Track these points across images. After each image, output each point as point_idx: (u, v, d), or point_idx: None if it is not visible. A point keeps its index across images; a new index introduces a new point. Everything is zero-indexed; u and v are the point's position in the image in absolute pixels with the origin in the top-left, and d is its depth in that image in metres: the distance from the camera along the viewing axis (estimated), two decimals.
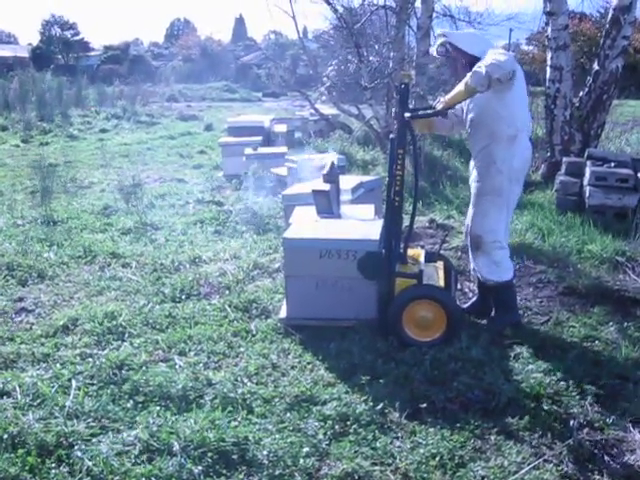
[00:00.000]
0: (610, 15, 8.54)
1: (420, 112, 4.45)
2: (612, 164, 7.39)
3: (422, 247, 5.83)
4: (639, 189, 6.94)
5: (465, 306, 4.78)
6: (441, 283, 4.51)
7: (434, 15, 11.50)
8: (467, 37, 4.51)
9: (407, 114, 4.21)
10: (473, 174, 4.49)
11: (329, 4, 11.81)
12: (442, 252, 5.10)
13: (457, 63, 4.40)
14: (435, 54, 4.60)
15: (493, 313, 4.59)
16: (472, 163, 4.55)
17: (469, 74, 4.01)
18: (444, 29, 4.59)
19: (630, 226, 6.21)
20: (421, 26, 10.64)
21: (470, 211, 4.51)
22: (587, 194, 7.19)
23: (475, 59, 4.18)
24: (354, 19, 12.19)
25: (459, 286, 5.25)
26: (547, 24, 9.02)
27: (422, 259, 4.67)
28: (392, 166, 4.26)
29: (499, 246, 4.39)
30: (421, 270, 4.37)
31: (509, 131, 4.25)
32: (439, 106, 4.21)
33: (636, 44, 18.90)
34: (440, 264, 4.79)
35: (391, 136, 4.43)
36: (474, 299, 4.82)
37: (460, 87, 4.07)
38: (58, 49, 55.95)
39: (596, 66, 8.54)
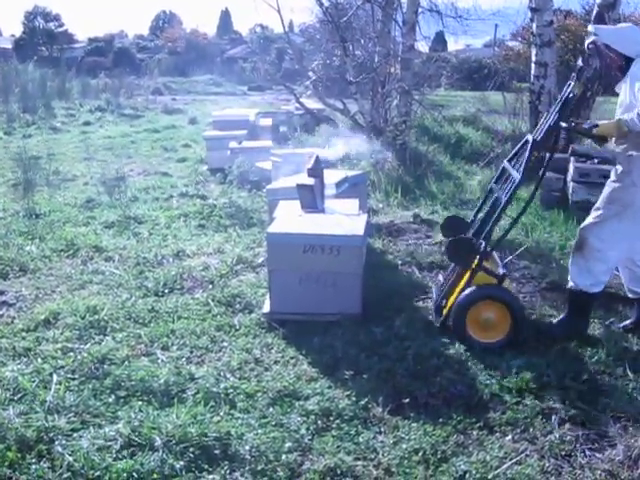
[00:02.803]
0: (595, 12, 8.58)
1: (574, 126, 4.18)
2: (595, 160, 7.43)
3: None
4: None
5: (624, 324, 4.45)
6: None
7: (420, 10, 11.49)
8: (620, 35, 4.14)
9: (563, 123, 4.08)
10: (610, 178, 4.25)
11: None
12: None
13: (608, 61, 4.13)
14: (586, 49, 4.33)
15: (564, 316, 4.42)
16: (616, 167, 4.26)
17: (626, 116, 3.88)
18: (596, 25, 4.23)
19: None
20: (407, 21, 10.62)
21: (592, 213, 4.25)
22: (570, 190, 7.23)
23: (629, 60, 4.01)
24: (340, 13, 12.17)
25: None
26: (532, 20, 9.05)
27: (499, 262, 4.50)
28: (527, 168, 4.01)
29: (600, 257, 4.15)
30: (505, 274, 4.23)
31: None
32: (594, 130, 4.04)
33: None
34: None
35: (529, 136, 4.22)
36: (637, 315, 4.46)
37: (614, 124, 3.96)
38: (42, 41, 55.43)
39: (580, 63, 8.57)
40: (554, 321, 4.45)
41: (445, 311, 4.26)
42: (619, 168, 4.14)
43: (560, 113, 4.08)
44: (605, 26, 4.22)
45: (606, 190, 4.21)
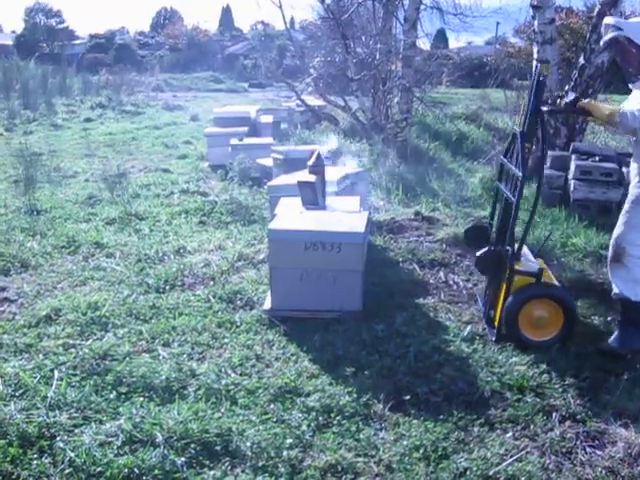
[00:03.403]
0: (597, 9, 8.56)
1: (555, 107, 4.17)
2: (597, 158, 7.43)
3: None
4: (623, 183, 6.98)
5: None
6: (554, 280, 4.33)
7: (421, 7, 11.48)
8: None
9: (544, 107, 4.05)
10: (634, 180, 4.07)
11: None
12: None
13: (628, 57, 3.95)
14: (601, 44, 4.24)
15: (617, 332, 4.12)
16: (634, 166, 4.10)
17: (627, 107, 3.81)
18: (617, 19, 4.11)
19: (614, 220, 6.23)
20: (408, 18, 10.61)
21: (620, 219, 4.09)
22: (572, 188, 7.22)
23: None
24: (341, 10, 12.17)
25: (444, 279, 5.26)
26: (534, 18, 9.03)
27: (530, 256, 4.45)
28: (525, 163, 3.98)
29: None
30: (541, 269, 4.17)
31: None
32: (583, 103, 3.99)
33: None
34: (541, 261, 4.55)
35: (515, 129, 4.19)
36: None
37: (611, 110, 3.91)
38: (43, 37, 55.30)
39: (582, 60, 8.56)
40: (610, 339, 4.13)
41: (497, 322, 4.20)
42: None
43: (536, 97, 4.04)
44: (627, 20, 4.12)
45: (634, 192, 4.04)
